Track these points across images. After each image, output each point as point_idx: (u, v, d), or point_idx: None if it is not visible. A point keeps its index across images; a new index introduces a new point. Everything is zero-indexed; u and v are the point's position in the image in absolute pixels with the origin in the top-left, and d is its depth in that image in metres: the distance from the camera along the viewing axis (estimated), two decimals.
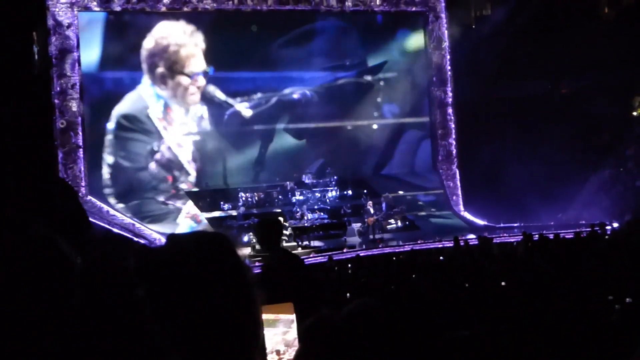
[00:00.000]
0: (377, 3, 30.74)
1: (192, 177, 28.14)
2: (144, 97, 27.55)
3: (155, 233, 24.54)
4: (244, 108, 28.84)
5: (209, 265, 2.14)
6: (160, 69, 27.82)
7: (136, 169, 27.37)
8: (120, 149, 27.28)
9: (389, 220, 27.86)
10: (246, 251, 23.21)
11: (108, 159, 27.17)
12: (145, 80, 27.65)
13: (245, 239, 24.88)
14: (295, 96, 29.67)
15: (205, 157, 28.44)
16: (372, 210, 27.11)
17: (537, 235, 21.27)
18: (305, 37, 29.92)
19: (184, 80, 28.08)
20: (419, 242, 24.72)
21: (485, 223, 29.26)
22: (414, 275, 16.70)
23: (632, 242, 19.77)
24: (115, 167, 27.22)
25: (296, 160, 29.64)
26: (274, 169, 29.20)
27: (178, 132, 28.06)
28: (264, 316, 2.23)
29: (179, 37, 28.24)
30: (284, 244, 24.50)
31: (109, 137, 27.18)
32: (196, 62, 28.29)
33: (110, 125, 27.19)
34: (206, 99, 28.35)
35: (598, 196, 30.76)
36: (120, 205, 26.14)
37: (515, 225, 27.82)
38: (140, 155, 27.49)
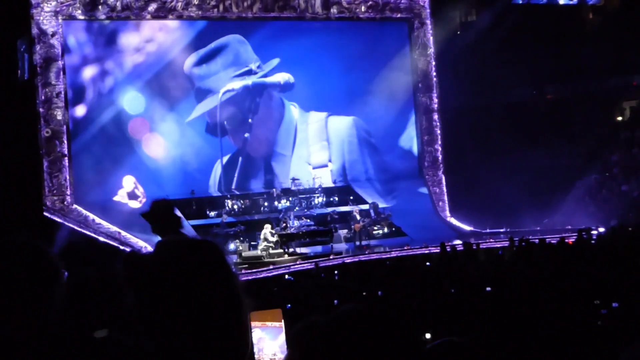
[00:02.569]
0: (362, 10, 30.78)
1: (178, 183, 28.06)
2: (127, 102, 27.55)
3: (142, 241, 24.43)
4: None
5: (199, 271, 2.14)
6: (143, 72, 27.86)
7: (121, 176, 27.29)
8: (103, 156, 27.19)
9: (376, 227, 27.87)
10: (233, 258, 23.13)
11: (92, 166, 27.09)
12: (128, 84, 27.67)
13: (232, 246, 24.85)
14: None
15: (192, 163, 28.40)
16: (358, 217, 27.12)
17: (523, 241, 21.33)
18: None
19: (169, 83, 28.14)
20: (405, 248, 24.73)
21: (472, 229, 29.30)
22: (401, 281, 16.70)
23: (618, 247, 19.83)
24: (99, 175, 27.14)
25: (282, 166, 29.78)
26: (261, 174, 29.29)
27: (161, 137, 28.06)
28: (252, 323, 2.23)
29: (163, 39, 28.34)
30: (270, 251, 24.51)
31: (92, 145, 27.11)
32: (183, 63, 28.42)
33: (93, 132, 27.14)
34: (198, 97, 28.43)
35: (584, 201, 30.87)
36: (105, 215, 26.00)
37: (502, 230, 27.89)
38: (124, 163, 27.40)
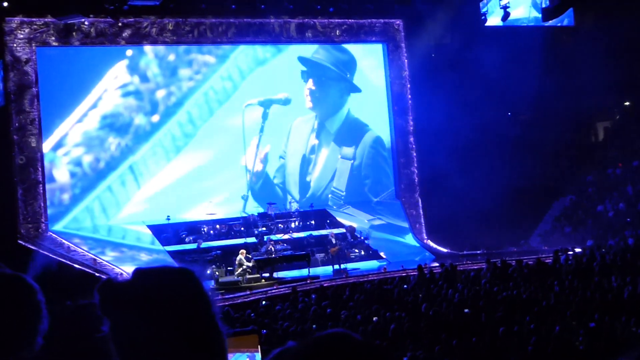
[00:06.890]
0: (337, 34, 30.89)
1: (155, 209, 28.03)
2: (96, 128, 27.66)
3: (117, 268, 24.29)
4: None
5: (176, 299, 2.12)
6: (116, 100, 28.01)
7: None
8: (78, 182, 27.15)
9: (353, 250, 27.81)
10: (210, 284, 22.96)
11: (67, 193, 27.01)
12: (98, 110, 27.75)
13: (208, 272, 24.66)
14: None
15: (166, 190, 28.42)
16: (334, 240, 27.03)
17: (500, 262, 21.40)
18: None
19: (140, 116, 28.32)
20: (383, 271, 24.70)
21: (449, 250, 29.32)
22: (379, 305, 16.69)
23: (594, 268, 19.94)
24: (74, 202, 27.09)
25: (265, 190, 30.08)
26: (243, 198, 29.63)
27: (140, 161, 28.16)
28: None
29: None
30: (247, 275, 24.36)
31: (66, 172, 27.06)
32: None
33: (67, 159, 27.13)
34: None
35: (560, 222, 31.00)
36: (80, 241, 25.89)
37: (479, 252, 27.91)
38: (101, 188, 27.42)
